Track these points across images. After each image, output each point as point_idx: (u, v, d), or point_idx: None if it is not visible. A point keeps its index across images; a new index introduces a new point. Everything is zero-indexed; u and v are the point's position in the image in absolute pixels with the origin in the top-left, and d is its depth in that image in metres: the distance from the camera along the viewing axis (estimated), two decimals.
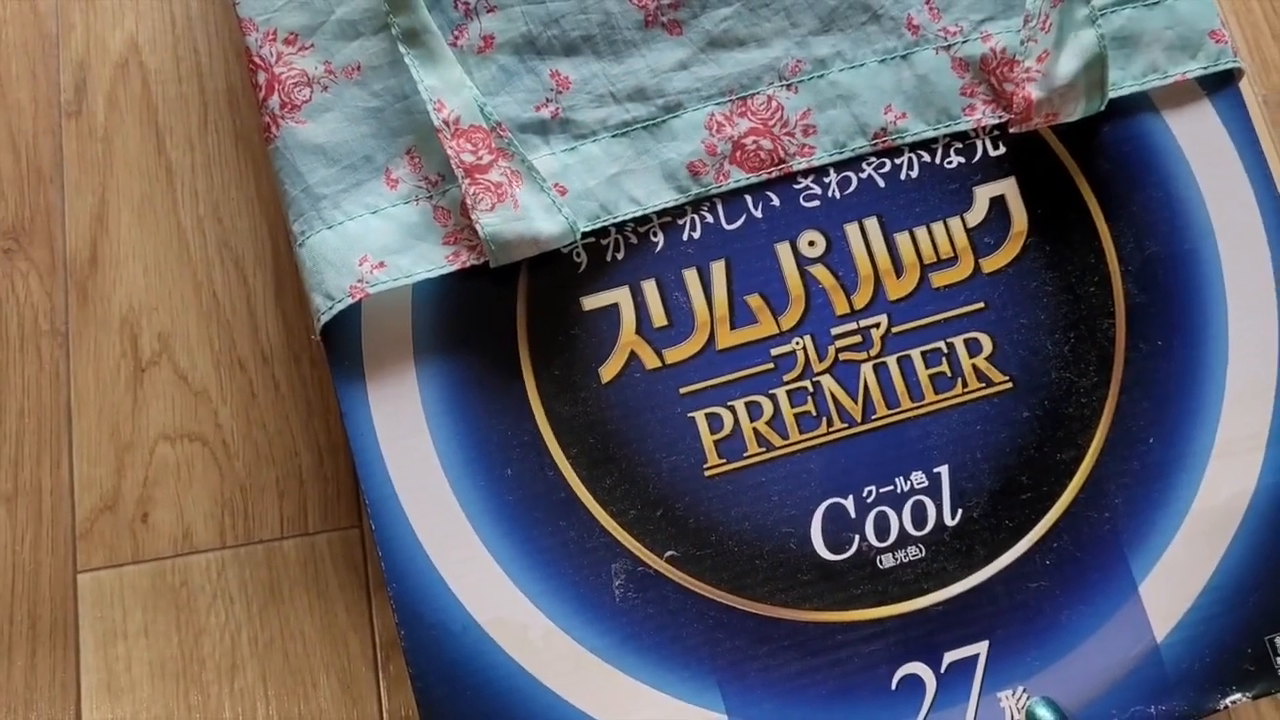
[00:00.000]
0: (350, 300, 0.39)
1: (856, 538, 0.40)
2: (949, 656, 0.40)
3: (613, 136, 0.42)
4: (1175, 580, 0.40)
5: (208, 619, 0.50)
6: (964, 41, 0.42)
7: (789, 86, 0.42)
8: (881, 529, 0.41)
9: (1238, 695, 0.40)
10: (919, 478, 0.41)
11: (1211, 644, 0.40)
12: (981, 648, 0.40)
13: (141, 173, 0.55)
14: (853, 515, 0.40)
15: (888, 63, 0.42)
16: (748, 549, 0.40)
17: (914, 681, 0.40)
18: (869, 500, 0.40)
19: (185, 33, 0.57)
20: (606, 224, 0.41)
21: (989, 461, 0.41)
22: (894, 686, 0.40)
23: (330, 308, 0.40)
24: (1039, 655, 0.40)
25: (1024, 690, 0.40)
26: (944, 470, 0.41)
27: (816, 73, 0.42)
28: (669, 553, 0.40)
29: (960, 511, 0.41)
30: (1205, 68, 0.42)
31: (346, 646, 0.50)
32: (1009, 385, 0.41)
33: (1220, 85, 0.43)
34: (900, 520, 0.40)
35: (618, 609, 0.39)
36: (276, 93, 0.42)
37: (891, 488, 0.41)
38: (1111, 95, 0.42)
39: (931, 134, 0.42)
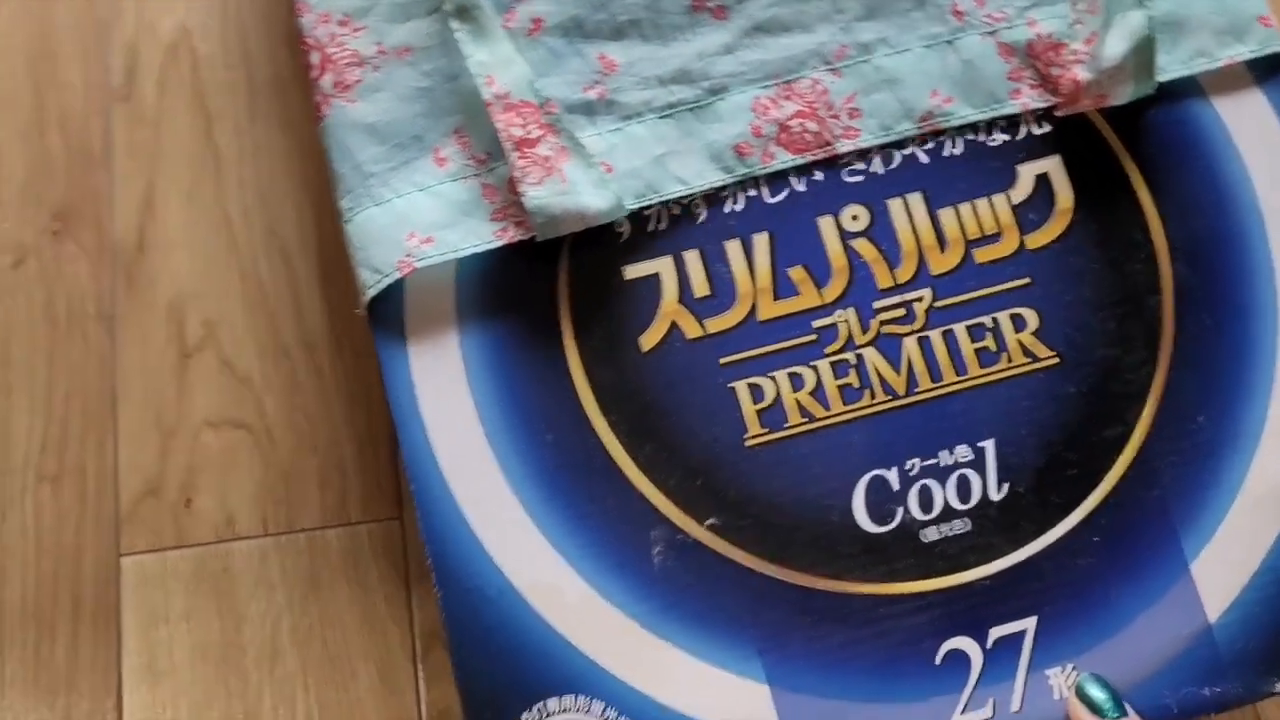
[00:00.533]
0: (397, 274, 0.48)
1: (900, 510, 0.48)
2: (995, 632, 0.47)
3: (659, 118, 0.50)
4: (1228, 560, 0.47)
5: (249, 606, 0.59)
6: (1009, 27, 0.50)
7: (834, 71, 0.50)
8: (925, 502, 0.48)
9: None
10: (963, 451, 0.48)
11: (1266, 625, 0.46)
12: (1029, 624, 0.47)
13: (190, 158, 0.65)
14: (896, 488, 0.48)
15: (933, 48, 0.50)
16: (789, 520, 0.47)
17: (959, 656, 0.46)
18: (912, 474, 0.48)
19: (235, 19, 0.68)
20: (653, 202, 0.49)
21: (1035, 437, 0.48)
22: (939, 661, 0.46)
23: (377, 282, 0.48)
24: (1088, 632, 0.47)
25: (1073, 668, 0.46)
26: (989, 445, 0.48)
27: (861, 58, 0.50)
28: (709, 520, 0.47)
29: (1006, 486, 0.48)
30: (1254, 51, 0.50)
31: (385, 637, 0.59)
32: (1055, 360, 0.49)
33: (1269, 70, 0.50)
34: (944, 494, 0.48)
35: (656, 576, 0.47)
36: (329, 72, 0.51)
37: (935, 461, 0.48)
38: (1159, 79, 0.49)
39: (978, 117, 0.50)
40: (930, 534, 0.48)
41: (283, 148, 0.66)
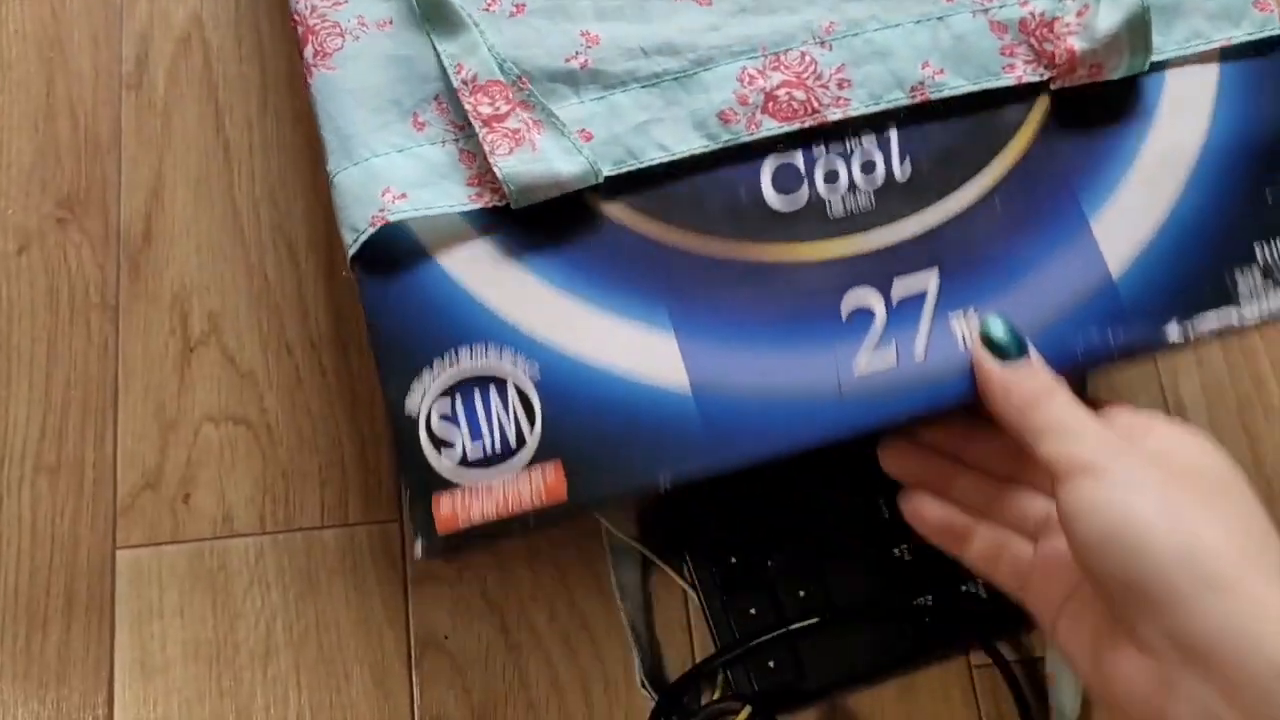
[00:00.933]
0: (371, 230, 0.47)
1: (806, 186, 0.49)
2: (899, 285, 0.47)
3: (642, 87, 0.50)
4: (1128, 220, 0.48)
5: (244, 604, 0.59)
6: (1001, 7, 0.50)
7: (823, 44, 0.50)
8: (831, 179, 0.49)
9: (1194, 322, 0.47)
10: (869, 140, 0.49)
11: (1167, 276, 0.47)
12: (931, 276, 0.47)
13: (199, 150, 0.65)
14: (802, 170, 0.49)
15: (923, 24, 0.50)
16: (696, 194, 0.49)
17: (863, 312, 0.47)
18: (818, 157, 0.49)
19: (248, 11, 0.67)
20: (632, 169, 0.49)
21: (938, 121, 0.50)
22: (844, 317, 0.47)
23: (355, 239, 0.48)
24: (992, 284, 0.47)
25: (976, 310, 0.47)
26: (892, 133, 0.50)
27: (851, 32, 0.50)
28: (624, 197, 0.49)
29: (909, 164, 0.49)
30: (1250, 34, 0.50)
31: (381, 641, 0.59)
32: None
33: (1260, 53, 0.51)
34: (850, 172, 0.49)
35: (566, 242, 0.48)
36: (310, 43, 0.51)
37: (842, 146, 0.49)
38: (1154, 59, 0.49)
39: (971, 89, 0.50)
40: (836, 207, 0.49)
41: (293, 143, 0.65)
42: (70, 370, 0.61)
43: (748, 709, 0.53)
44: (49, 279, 0.62)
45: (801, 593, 0.58)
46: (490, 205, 0.49)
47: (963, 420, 0.48)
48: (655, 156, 0.49)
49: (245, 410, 0.61)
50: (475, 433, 0.47)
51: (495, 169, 0.47)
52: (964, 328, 0.47)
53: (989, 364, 0.45)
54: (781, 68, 0.50)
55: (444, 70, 0.49)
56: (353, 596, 0.59)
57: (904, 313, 0.48)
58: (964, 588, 0.59)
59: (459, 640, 0.59)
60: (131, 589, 0.59)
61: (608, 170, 0.49)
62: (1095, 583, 0.39)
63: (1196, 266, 0.48)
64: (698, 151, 0.49)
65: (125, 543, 0.59)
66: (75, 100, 0.65)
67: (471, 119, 0.48)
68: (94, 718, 0.57)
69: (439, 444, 0.46)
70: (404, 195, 0.48)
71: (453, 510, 0.46)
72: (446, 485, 0.46)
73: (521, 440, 0.47)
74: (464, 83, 0.49)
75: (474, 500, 0.46)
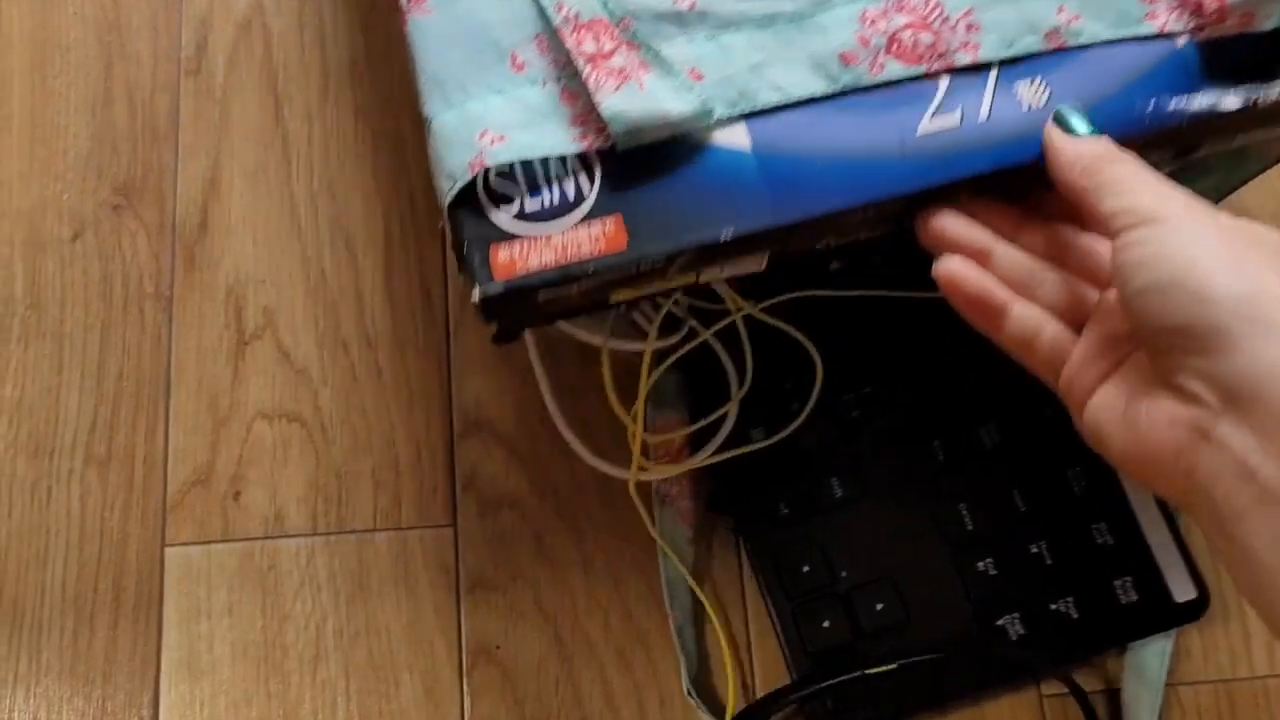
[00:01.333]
0: (469, 176, 0.44)
1: None
2: (963, 55, 0.46)
3: (756, 28, 0.47)
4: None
5: (294, 605, 0.57)
6: None
7: None
8: None
9: (1264, 89, 0.45)
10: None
11: (1236, 44, 0.46)
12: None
13: (257, 140, 0.64)
14: None
15: None
16: None
17: (928, 82, 0.46)
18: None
19: None
20: (745, 111, 0.46)
21: None
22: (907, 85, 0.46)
23: (452, 187, 0.45)
24: (1058, 56, 0.46)
25: (1043, 80, 0.46)
26: None
27: None
28: None
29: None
30: None
31: (432, 648, 0.57)
32: None
33: None
34: None
35: None
36: None
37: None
38: None
39: (1110, 35, 0.47)
40: None
41: (353, 136, 0.64)
42: (123, 361, 0.60)
43: None
44: (103, 266, 0.61)
45: (879, 606, 0.57)
46: (595, 148, 0.45)
47: (1017, 208, 0.47)
48: (770, 99, 0.46)
49: (299, 407, 0.60)
50: (534, 189, 0.45)
51: (600, 107, 0.44)
52: (1029, 94, 0.46)
53: (1059, 137, 0.44)
54: (905, 10, 0.47)
55: (542, 9, 0.47)
56: (404, 602, 0.58)
57: (968, 79, 0.46)
58: (1053, 606, 0.57)
59: (511, 650, 0.58)
60: (180, 587, 0.58)
61: (721, 111, 0.46)
62: (1146, 333, 0.38)
63: (1265, 36, 0.46)
64: (817, 94, 0.47)
65: (175, 540, 0.58)
66: (133, 85, 0.64)
67: (574, 56, 0.45)
68: (139, 717, 0.56)
69: (497, 200, 0.44)
70: (502, 138, 0.45)
71: (511, 259, 0.44)
72: (505, 237, 0.44)
73: (581, 196, 0.45)
74: (565, 20, 0.46)
75: (532, 250, 0.44)
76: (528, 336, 0.57)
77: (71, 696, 0.56)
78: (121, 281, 0.61)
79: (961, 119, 0.46)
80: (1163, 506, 0.58)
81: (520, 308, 0.45)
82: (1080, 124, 0.44)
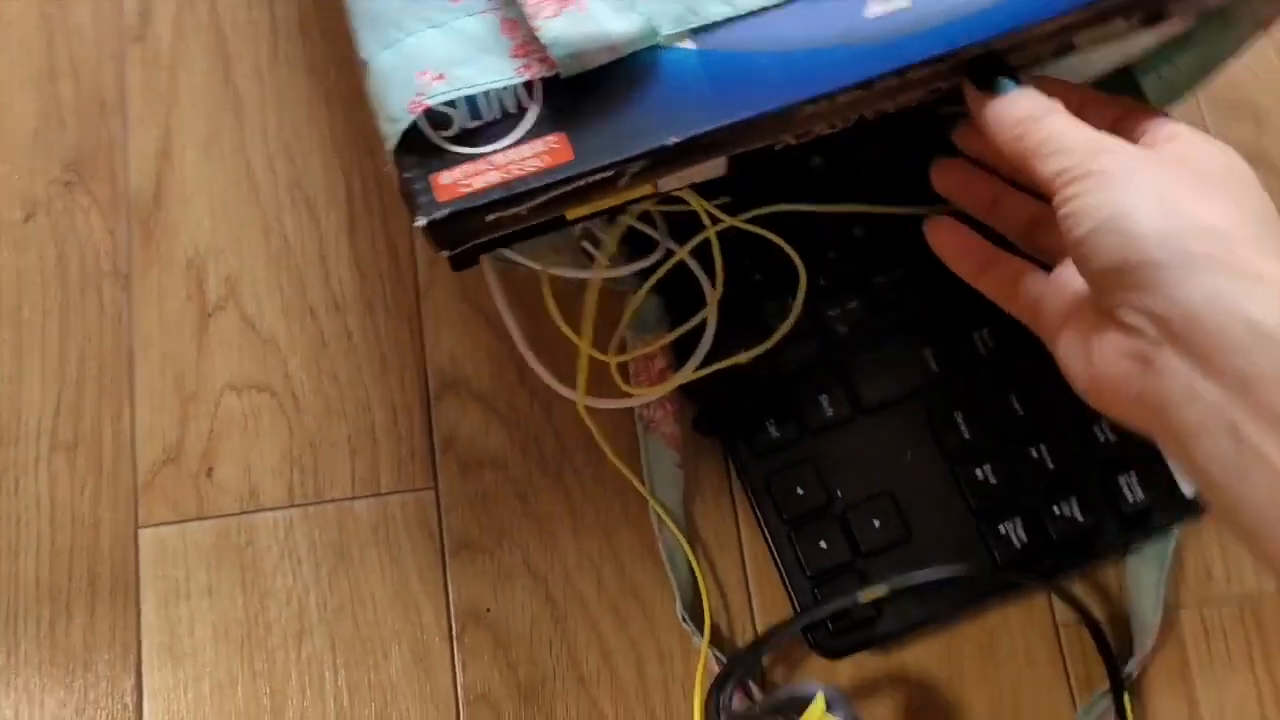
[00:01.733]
0: (410, 118, 0.42)
1: None
2: None
3: None
4: None
5: (274, 580, 0.56)
6: None
7: None
8: None
9: None
10: None
11: None
12: None
13: (208, 105, 0.61)
14: None
15: None
16: None
17: None
18: None
19: None
20: (694, 27, 0.44)
21: None
22: None
23: (395, 129, 0.43)
24: None
25: None
26: None
27: None
28: None
29: None
30: None
31: (419, 615, 0.55)
32: None
33: None
34: None
35: None
36: None
37: None
38: None
39: None
40: None
41: (306, 94, 0.62)
42: (84, 343, 0.58)
43: (821, 698, 0.49)
44: (57, 247, 0.59)
45: (877, 523, 0.55)
46: (539, 76, 0.43)
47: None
48: (720, 12, 0.44)
49: (268, 377, 0.58)
50: (475, 112, 0.43)
51: (540, 33, 0.42)
52: None
53: (983, 103, 0.44)
54: None
55: None
56: (388, 570, 0.56)
57: None
58: (1056, 509, 0.55)
59: (501, 613, 0.56)
60: (156, 569, 0.56)
61: (667, 29, 0.44)
62: (1090, 276, 0.41)
63: None
64: (768, 5, 0.44)
65: (148, 521, 0.56)
66: (76, 57, 0.62)
67: None
68: (122, 705, 0.54)
69: (436, 125, 0.42)
70: (442, 76, 0.43)
71: (453, 182, 0.42)
72: (447, 161, 0.43)
73: (523, 113, 0.43)
74: None
75: (475, 172, 0.42)
76: (492, 282, 0.55)
77: (53, 687, 0.54)
78: (78, 261, 0.59)
79: None
80: None
81: (469, 231, 0.43)
82: (1002, 82, 0.44)
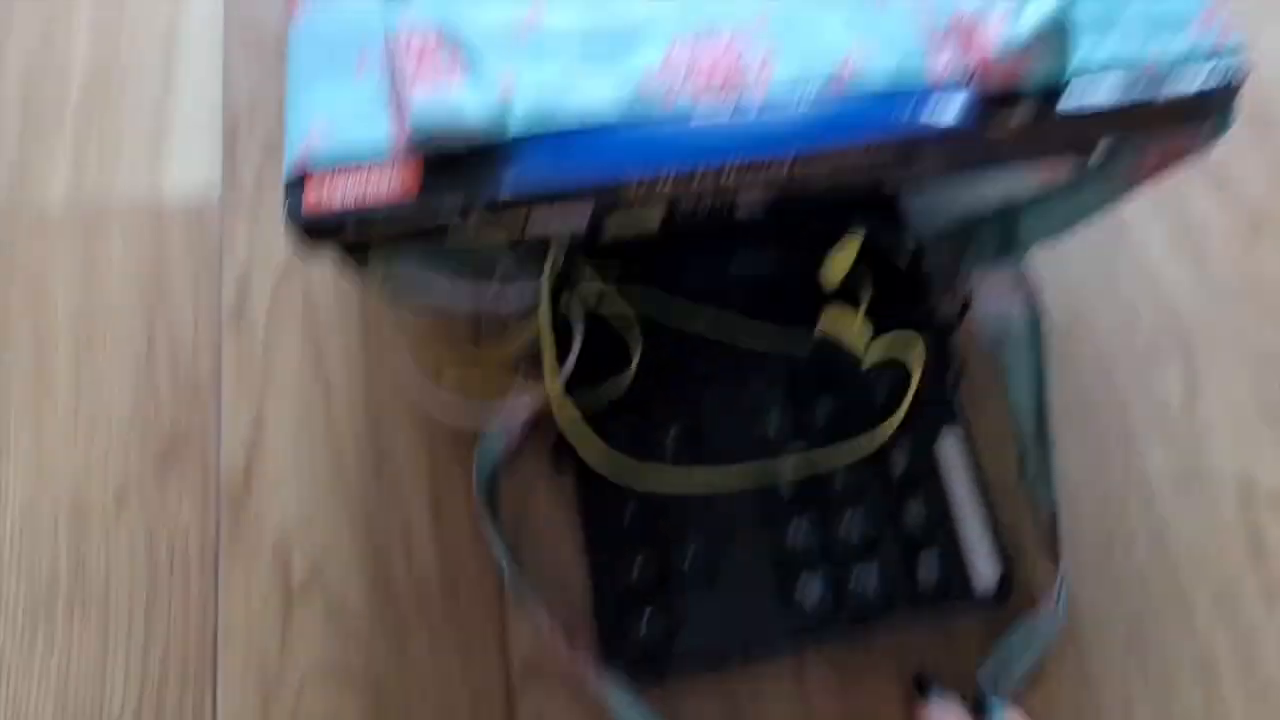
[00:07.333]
0: (297, 174, 0.44)
1: None
2: None
3: (576, 52, 0.46)
4: None
5: None
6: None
7: (753, 32, 0.47)
8: None
9: None
10: None
11: None
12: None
13: (299, 387, 0.61)
14: None
15: None
16: None
17: None
18: None
19: None
20: (541, 132, 0.45)
21: None
22: None
23: (288, 177, 0.44)
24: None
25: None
26: None
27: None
28: None
29: None
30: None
31: None
32: None
33: None
34: None
35: None
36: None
37: None
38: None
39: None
40: None
41: (392, 368, 0.61)
42: (169, 636, 0.57)
43: None
44: (148, 535, 0.58)
45: (689, 559, 0.56)
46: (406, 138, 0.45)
47: None
48: (570, 123, 0.45)
49: (349, 663, 0.56)
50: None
51: (407, 111, 0.44)
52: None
53: (918, 704, 0.53)
54: (707, 47, 0.47)
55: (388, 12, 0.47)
56: None
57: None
58: (853, 574, 0.56)
59: None
60: None
61: (516, 129, 0.45)
62: None
63: None
64: (612, 122, 0.46)
65: None
66: (176, 342, 0.62)
67: (396, 56, 0.45)
68: None
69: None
70: (328, 129, 0.45)
71: (319, 198, 0.43)
72: (319, 172, 0.44)
73: (392, 138, 0.44)
74: (403, 23, 0.46)
75: (338, 187, 0.43)
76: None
77: None
78: (166, 549, 0.58)
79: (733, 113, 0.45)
80: (983, 491, 0.58)
81: (336, 240, 0.44)
82: (933, 691, 0.54)
